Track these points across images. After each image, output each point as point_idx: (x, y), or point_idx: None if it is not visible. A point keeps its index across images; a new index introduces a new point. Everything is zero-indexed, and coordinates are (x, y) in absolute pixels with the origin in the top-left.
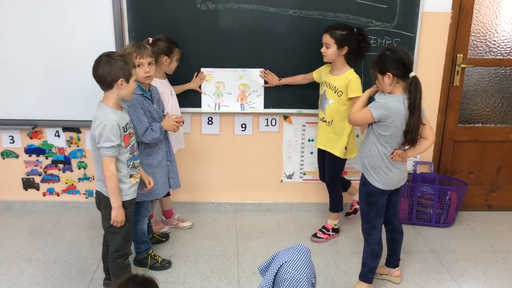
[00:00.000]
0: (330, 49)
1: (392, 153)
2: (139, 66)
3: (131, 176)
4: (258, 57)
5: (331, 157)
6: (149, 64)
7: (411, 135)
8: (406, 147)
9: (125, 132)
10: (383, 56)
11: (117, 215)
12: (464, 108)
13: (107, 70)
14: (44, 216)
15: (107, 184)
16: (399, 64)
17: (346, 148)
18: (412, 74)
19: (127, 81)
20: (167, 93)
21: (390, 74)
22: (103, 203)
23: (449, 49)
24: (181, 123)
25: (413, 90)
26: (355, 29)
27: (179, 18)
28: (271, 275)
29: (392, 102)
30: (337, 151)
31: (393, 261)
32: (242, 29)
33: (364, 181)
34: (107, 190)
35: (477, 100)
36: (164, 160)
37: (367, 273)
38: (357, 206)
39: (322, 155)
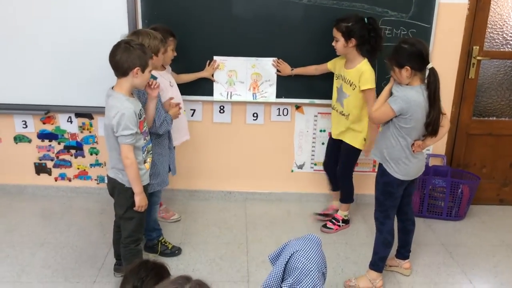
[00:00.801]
0: (338, 42)
1: (413, 144)
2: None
3: (145, 161)
4: (271, 46)
5: (348, 148)
6: None
7: (432, 127)
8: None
9: (140, 118)
10: (400, 49)
11: (141, 200)
12: (479, 101)
13: (125, 57)
14: (56, 201)
15: (128, 171)
16: (417, 57)
17: (365, 139)
18: (429, 66)
19: (143, 71)
20: (166, 85)
21: (409, 67)
22: (117, 190)
23: (465, 41)
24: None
25: (432, 82)
26: (365, 19)
27: (193, 6)
28: (282, 264)
29: (411, 94)
30: (357, 143)
31: (404, 252)
32: (256, 17)
33: (382, 171)
34: (128, 178)
35: (492, 93)
36: (168, 148)
37: (378, 262)
38: (331, 212)
39: (336, 146)
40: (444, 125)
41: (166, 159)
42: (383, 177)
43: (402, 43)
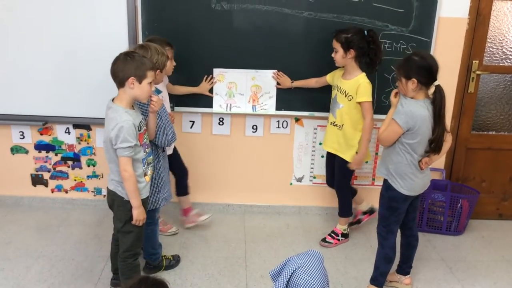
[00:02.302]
0: (338, 53)
1: (420, 161)
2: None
3: (145, 174)
4: (271, 58)
5: (341, 162)
6: None
7: (436, 144)
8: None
9: (139, 131)
10: (410, 61)
11: (139, 214)
12: (478, 115)
13: (121, 67)
14: (52, 213)
15: (126, 185)
16: (426, 71)
17: (356, 152)
18: (436, 83)
19: (139, 82)
20: None
21: (415, 80)
22: (116, 203)
23: (465, 55)
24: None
25: (438, 99)
26: (365, 31)
27: (193, 18)
28: (284, 280)
29: (416, 108)
30: (348, 156)
31: (405, 268)
32: (256, 30)
33: (388, 187)
34: (126, 191)
35: (491, 107)
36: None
37: (379, 277)
38: (361, 217)
39: (331, 159)
40: (448, 141)
41: (168, 172)
42: (388, 192)
43: (413, 55)
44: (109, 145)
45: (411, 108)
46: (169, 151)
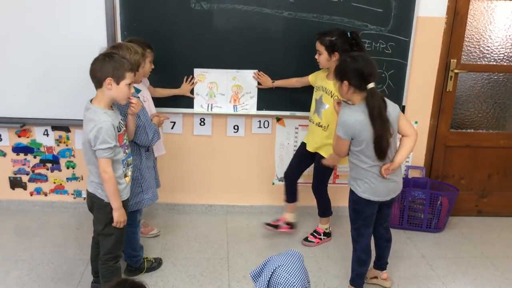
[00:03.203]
0: (322, 55)
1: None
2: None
3: (125, 175)
4: (252, 58)
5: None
6: None
7: (377, 146)
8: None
9: (119, 131)
10: (343, 63)
11: (119, 216)
12: (457, 114)
13: (99, 67)
14: (31, 216)
15: (106, 186)
16: (356, 73)
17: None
18: (370, 86)
19: (117, 83)
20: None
21: (347, 83)
22: (96, 205)
23: (443, 54)
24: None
25: (369, 102)
26: (348, 33)
27: (173, 17)
28: (265, 280)
29: (349, 117)
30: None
31: (380, 264)
32: (236, 29)
33: (351, 190)
34: (106, 193)
35: (469, 105)
36: (153, 161)
37: (356, 279)
38: (281, 225)
39: (309, 158)
40: (409, 134)
41: (153, 172)
42: (352, 195)
43: (348, 57)
44: (88, 147)
45: (344, 118)
46: (161, 151)
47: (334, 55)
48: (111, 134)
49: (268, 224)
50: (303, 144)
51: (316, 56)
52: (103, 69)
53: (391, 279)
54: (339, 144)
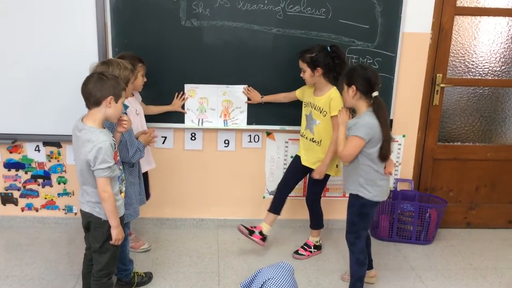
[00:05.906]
0: (306, 72)
1: (385, 167)
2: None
3: (121, 192)
4: (242, 74)
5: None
6: None
7: (384, 149)
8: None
9: (114, 149)
10: (353, 70)
11: (118, 233)
12: (444, 127)
13: (99, 86)
14: (22, 232)
15: (105, 205)
16: (365, 81)
17: (337, 166)
18: (374, 94)
19: (116, 101)
20: (132, 112)
21: (355, 87)
22: (93, 224)
23: (429, 69)
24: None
25: (377, 109)
26: (328, 47)
27: (164, 34)
28: None
29: (370, 119)
30: (331, 171)
31: (370, 264)
32: (226, 46)
33: (357, 196)
34: (105, 211)
35: (456, 119)
36: (138, 177)
37: (356, 283)
38: (255, 233)
39: (302, 170)
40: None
41: (138, 187)
42: (358, 200)
43: (357, 66)
44: (86, 168)
45: (367, 120)
46: (151, 165)
47: (317, 71)
48: (110, 153)
49: (244, 227)
50: (297, 158)
51: (301, 74)
52: (104, 88)
53: (376, 275)
54: (356, 145)
